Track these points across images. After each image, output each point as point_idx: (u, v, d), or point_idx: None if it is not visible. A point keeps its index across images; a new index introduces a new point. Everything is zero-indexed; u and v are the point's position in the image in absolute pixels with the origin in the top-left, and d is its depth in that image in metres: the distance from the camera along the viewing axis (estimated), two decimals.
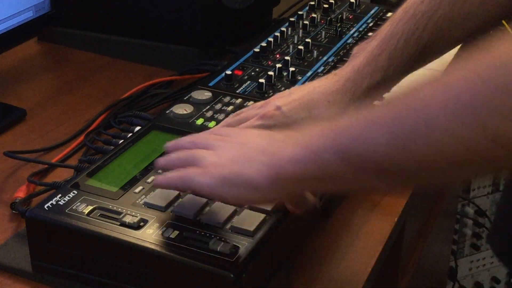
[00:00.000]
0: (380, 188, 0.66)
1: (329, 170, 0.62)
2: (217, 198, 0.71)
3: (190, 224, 0.72)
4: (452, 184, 0.60)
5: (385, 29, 0.86)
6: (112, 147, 0.92)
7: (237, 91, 1.02)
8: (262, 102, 0.88)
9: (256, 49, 1.11)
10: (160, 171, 0.79)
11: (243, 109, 0.89)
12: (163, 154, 0.84)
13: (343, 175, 0.62)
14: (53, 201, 0.75)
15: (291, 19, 1.23)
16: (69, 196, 0.76)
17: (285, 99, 0.86)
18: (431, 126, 0.55)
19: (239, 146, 0.71)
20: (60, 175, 0.95)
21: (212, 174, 0.69)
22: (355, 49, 0.91)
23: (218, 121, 0.92)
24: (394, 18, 0.86)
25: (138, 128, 0.96)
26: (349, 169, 0.61)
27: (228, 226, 0.72)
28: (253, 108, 0.88)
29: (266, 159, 0.66)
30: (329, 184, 0.65)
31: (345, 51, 1.16)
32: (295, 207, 0.74)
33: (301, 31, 1.21)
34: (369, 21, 1.28)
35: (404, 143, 0.57)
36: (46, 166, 0.96)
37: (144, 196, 0.77)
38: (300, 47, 1.13)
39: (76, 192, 0.77)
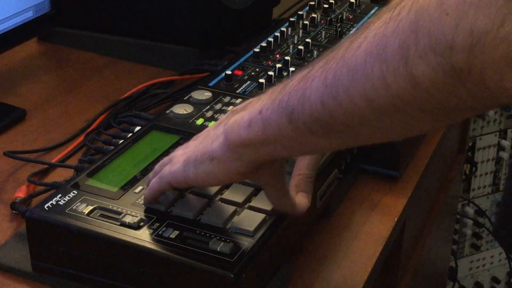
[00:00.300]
0: (330, 147, 0.65)
1: (279, 133, 0.62)
2: (189, 181, 0.71)
3: (190, 224, 0.72)
4: (392, 138, 0.60)
5: (370, 21, 0.85)
6: (112, 147, 0.92)
7: (237, 91, 1.02)
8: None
9: (256, 49, 1.11)
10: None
11: (237, 108, 0.86)
12: (163, 154, 0.84)
13: (294, 137, 0.62)
14: (53, 201, 0.75)
15: (291, 19, 1.23)
16: (69, 196, 0.76)
17: None
18: (354, 73, 0.55)
19: (206, 132, 0.73)
20: (60, 175, 0.95)
21: (179, 161, 0.71)
22: (343, 40, 0.90)
23: None
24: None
25: (138, 128, 0.96)
26: (297, 131, 0.61)
27: (228, 226, 0.72)
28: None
29: (220, 130, 0.68)
30: (283, 149, 0.64)
31: None
32: (281, 208, 0.73)
33: (301, 31, 1.21)
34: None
35: (333, 94, 0.57)
36: (46, 166, 0.96)
37: (144, 196, 0.77)
38: (300, 47, 1.13)
39: (76, 192, 0.77)
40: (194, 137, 0.76)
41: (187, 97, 0.98)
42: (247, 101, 0.69)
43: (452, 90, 0.51)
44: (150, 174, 0.77)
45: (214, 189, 0.77)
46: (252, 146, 0.65)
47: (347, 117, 0.58)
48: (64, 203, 0.75)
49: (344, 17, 1.27)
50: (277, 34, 1.17)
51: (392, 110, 0.55)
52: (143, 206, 0.75)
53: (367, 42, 0.55)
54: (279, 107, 0.62)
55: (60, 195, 0.76)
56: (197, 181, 0.70)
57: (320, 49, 1.15)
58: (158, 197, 0.74)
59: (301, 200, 0.74)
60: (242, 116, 0.66)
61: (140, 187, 0.78)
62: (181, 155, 0.72)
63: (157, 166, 0.76)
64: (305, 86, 0.60)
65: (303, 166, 0.76)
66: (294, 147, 0.64)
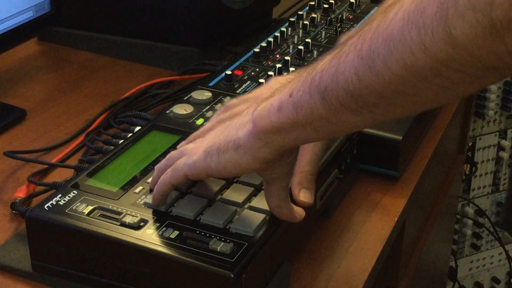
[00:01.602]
0: (360, 124, 0.64)
1: (311, 113, 0.62)
2: (210, 172, 0.70)
3: (190, 224, 0.72)
4: (424, 108, 0.61)
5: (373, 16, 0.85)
6: (112, 147, 0.92)
7: (237, 91, 1.02)
8: (250, 95, 0.84)
9: (256, 49, 1.11)
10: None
11: (234, 102, 0.83)
12: (163, 154, 0.84)
13: (325, 117, 0.62)
14: (53, 201, 0.75)
15: (291, 19, 1.23)
16: (69, 196, 0.76)
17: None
18: (391, 41, 0.55)
19: (219, 123, 0.73)
20: (60, 175, 0.95)
21: (197, 152, 0.70)
22: (343, 37, 0.90)
23: None
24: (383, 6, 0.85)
25: (138, 128, 0.96)
26: (329, 108, 0.61)
27: (228, 226, 0.72)
28: (245, 102, 0.84)
29: (246, 119, 0.68)
30: (312, 131, 0.64)
31: None
32: (279, 212, 0.73)
33: (301, 31, 1.21)
34: None
35: (369, 64, 0.57)
36: (46, 166, 0.96)
37: (144, 196, 0.77)
38: (300, 47, 1.13)
39: (76, 192, 0.77)
40: (201, 131, 0.76)
41: (187, 97, 0.98)
42: (271, 90, 0.68)
43: (491, 47, 0.51)
44: (154, 175, 0.76)
45: (214, 189, 0.77)
46: (282, 131, 0.65)
47: (383, 86, 0.57)
48: (64, 203, 0.75)
49: (344, 17, 1.27)
50: (277, 34, 1.17)
51: (430, 75, 0.55)
52: (143, 206, 0.75)
53: (403, 9, 0.55)
54: (311, 86, 0.62)
55: (60, 195, 0.76)
56: (219, 170, 0.69)
57: (320, 49, 1.15)
58: (169, 192, 0.74)
59: (305, 197, 0.75)
60: (271, 102, 0.65)
61: (140, 187, 0.78)
62: (197, 147, 0.71)
63: (160, 165, 0.75)
64: (338, 63, 0.60)
65: (305, 163, 0.76)
66: (324, 128, 0.64)
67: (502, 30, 0.50)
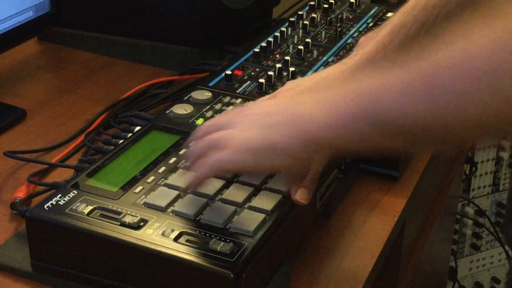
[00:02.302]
0: (407, 148, 0.69)
1: (360, 135, 0.64)
2: (247, 170, 0.72)
3: (190, 224, 0.72)
4: (470, 143, 0.66)
5: (395, 19, 0.86)
6: (112, 147, 0.92)
7: (237, 91, 1.02)
8: (270, 95, 0.88)
9: (256, 49, 1.11)
10: (179, 172, 0.79)
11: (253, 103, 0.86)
12: (163, 154, 0.84)
13: (374, 139, 0.64)
14: (53, 201, 0.75)
15: (291, 19, 1.23)
16: (69, 196, 0.76)
17: (293, 91, 0.86)
18: (456, 93, 0.57)
19: (260, 116, 0.71)
20: (60, 175, 0.95)
21: (239, 149, 0.69)
22: (362, 39, 0.91)
23: None
24: (405, 8, 0.86)
25: (138, 128, 0.96)
26: (381, 134, 0.63)
27: (228, 226, 0.72)
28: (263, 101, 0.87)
29: (295, 124, 0.68)
30: (358, 147, 0.66)
31: (345, 51, 1.16)
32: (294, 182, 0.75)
33: (301, 31, 1.21)
34: (369, 21, 1.28)
35: (436, 110, 0.59)
36: (46, 166, 0.96)
37: (144, 196, 0.77)
38: (300, 47, 1.13)
39: (76, 192, 0.77)
40: (236, 112, 0.75)
41: (187, 97, 0.98)
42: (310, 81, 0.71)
43: None
44: (188, 157, 0.74)
45: (214, 189, 0.77)
46: (331, 146, 0.67)
47: (435, 127, 0.60)
48: (64, 203, 0.75)
49: (344, 17, 1.27)
50: (277, 34, 1.17)
51: (484, 126, 0.58)
52: (143, 206, 0.75)
53: (458, 56, 0.57)
54: (366, 114, 0.63)
55: (60, 195, 0.76)
56: (257, 169, 0.71)
57: (320, 49, 1.15)
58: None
59: (301, 196, 0.75)
60: (320, 115, 0.66)
61: (140, 187, 0.78)
62: (239, 140, 0.70)
63: (194, 151, 0.73)
64: (401, 97, 0.61)
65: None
66: (365, 145, 0.65)
67: None
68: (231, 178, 0.79)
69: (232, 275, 0.67)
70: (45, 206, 0.74)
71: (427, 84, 0.59)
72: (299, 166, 0.71)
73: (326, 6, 1.29)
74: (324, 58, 1.12)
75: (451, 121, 0.58)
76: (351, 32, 1.22)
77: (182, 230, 0.71)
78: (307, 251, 0.85)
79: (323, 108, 0.66)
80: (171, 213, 0.74)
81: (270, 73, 1.04)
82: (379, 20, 1.28)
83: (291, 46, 1.15)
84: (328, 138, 0.66)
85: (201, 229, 0.72)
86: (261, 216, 0.74)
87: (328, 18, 1.24)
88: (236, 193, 0.77)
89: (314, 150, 0.68)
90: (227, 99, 0.98)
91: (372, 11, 1.31)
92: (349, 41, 1.19)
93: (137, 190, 0.78)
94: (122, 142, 0.88)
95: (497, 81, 0.54)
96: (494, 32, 0.55)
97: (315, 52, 1.14)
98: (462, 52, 0.57)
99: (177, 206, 0.75)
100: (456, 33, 0.58)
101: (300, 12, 1.26)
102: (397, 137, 0.63)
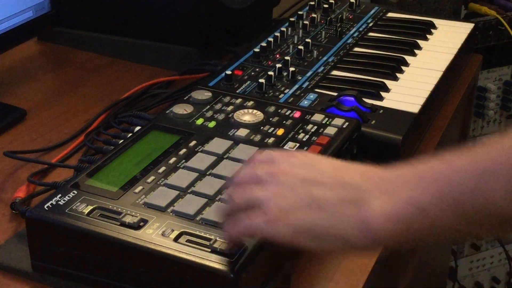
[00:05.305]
0: (491, 235, 0.66)
1: (437, 224, 0.60)
2: (292, 245, 0.65)
3: (190, 224, 0.72)
4: None
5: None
6: (112, 147, 0.92)
7: (237, 91, 1.02)
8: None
9: (256, 49, 1.12)
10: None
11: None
12: (163, 154, 0.84)
13: (455, 227, 0.60)
14: (53, 201, 0.75)
15: (291, 19, 1.23)
16: (69, 196, 0.76)
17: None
18: None
19: (302, 182, 0.65)
20: (60, 175, 0.95)
21: (283, 223, 0.64)
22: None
23: (218, 121, 0.92)
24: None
25: (138, 128, 0.96)
26: (463, 221, 0.59)
27: None
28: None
29: (351, 210, 0.62)
30: (434, 237, 0.62)
31: (345, 51, 1.16)
32: None
33: (301, 31, 1.21)
34: (369, 21, 1.28)
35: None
36: (46, 166, 0.96)
37: (144, 196, 0.77)
38: (300, 47, 1.13)
39: (76, 192, 0.77)
40: (278, 162, 0.67)
41: (187, 97, 0.98)
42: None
43: None
44: (225, 210, 0.69)
45: (214, 189, 0.77)
46: (399, 237, 0.61)
47: None
48: (64, 203, 0.75)
49: (344, 17, 1.27)
50: (277, 34, 1.17)
51: None
52: (143, 206, 0.75)
53: None
54: (443, 200, 0.59)
55: (60, 195, 0.76)
56: (306, 249, 0.65)
57: (320, 49, 1.15)
58: None
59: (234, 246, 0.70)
60: (386, 204, 0.61)
61: (140, 187, 0.78)
62: (281, 212, 0.64)
63: (234, 205, 0.67)
64: (479, 183, 0.58)
65: None
66: (452, 235, 0.65)
67: None
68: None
69: (232, 275, 0.67)
70: (45, 206, 0.74)
71: (505, 166, 0.58)
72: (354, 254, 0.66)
73: (326, 6, 1.29)
74: (324, 58, 1.12)
75: None
76: (351, 32, 1.22)
77: (182, 230, 0.71)
78: (307, 251, 0.84)
79: (386, 195, 0.62)
80: (171, 213, 0.74)
81: (270, 73, 1.04)
82: (379, 20, 1.28)
83: (291, 46, 1.15)
84: (396, 231, 0.61)
85: (201, 229, 0.72)
86: None
87: (328, 18, 1.24)
88: None
89: (379, 241, 0.62)
90: (227, 99, 0.98)
91: (372, 11, 1.31)
92: (349, 41, 1.19)
93: (137, 190, 0.78)
94: (122, 142, 0.88)
95: None
96: None
97: (315, 52, 1.14)
98: None
99: (177, 206, 0.75)
100: None
101: (300, 12, 1.27)
102: (483, 224, 0.59)
